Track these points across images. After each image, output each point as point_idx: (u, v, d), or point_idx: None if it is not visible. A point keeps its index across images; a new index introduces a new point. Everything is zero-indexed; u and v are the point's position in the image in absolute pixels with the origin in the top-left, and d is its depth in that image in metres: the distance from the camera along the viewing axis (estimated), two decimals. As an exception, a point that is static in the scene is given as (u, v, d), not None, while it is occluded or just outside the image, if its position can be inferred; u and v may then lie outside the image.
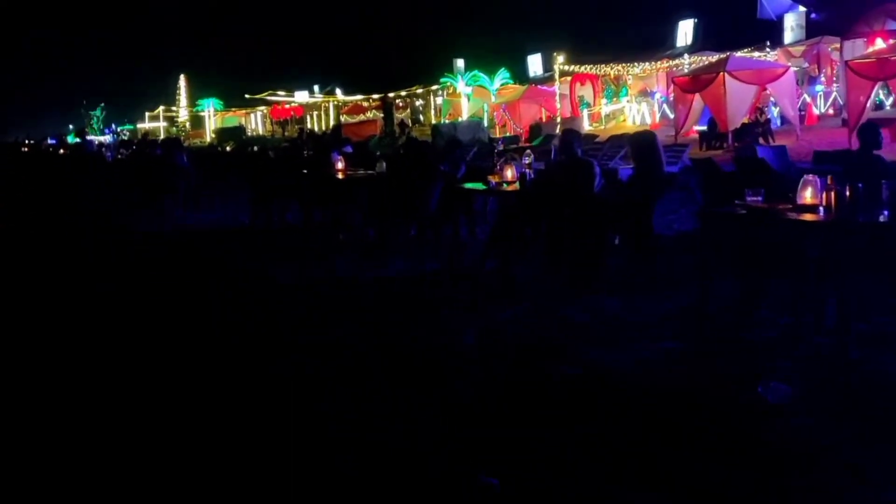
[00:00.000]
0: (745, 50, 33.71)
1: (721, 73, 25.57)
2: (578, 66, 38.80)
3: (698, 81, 26.87)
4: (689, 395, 4.93)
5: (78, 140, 42.67)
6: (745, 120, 26.20)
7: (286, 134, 55.26)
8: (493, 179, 8.77)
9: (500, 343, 6.25)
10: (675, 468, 3.94)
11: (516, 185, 8.35)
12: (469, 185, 9.33)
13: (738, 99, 25.69)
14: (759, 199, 5.95)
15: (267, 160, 16.27)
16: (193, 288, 9.03)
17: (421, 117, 55.44)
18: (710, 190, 9.64)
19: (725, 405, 4.75)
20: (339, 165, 11.92)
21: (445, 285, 8.34)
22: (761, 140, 25.38)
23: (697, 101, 27.28)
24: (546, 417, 4.68)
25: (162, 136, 53.50)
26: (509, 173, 8.62)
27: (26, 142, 52.22)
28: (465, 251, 9.31)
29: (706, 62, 31.77)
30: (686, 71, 32.88)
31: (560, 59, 38.66)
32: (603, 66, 39.22)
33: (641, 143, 7.68)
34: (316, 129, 57.46)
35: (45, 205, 18.00)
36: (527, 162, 8.63)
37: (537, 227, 8.15)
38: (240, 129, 61.01)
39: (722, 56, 29.37)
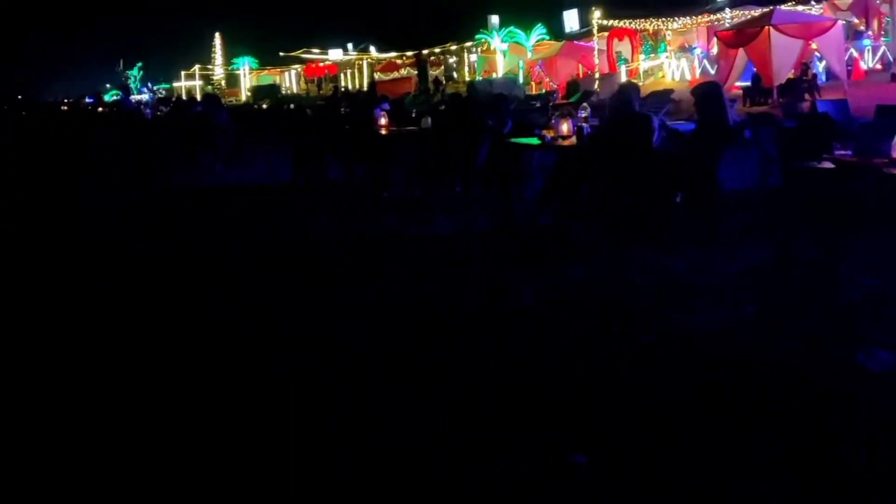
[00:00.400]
0: (790, 3, 32.93)
1: (766, 27, 24.97)
2: (617, 21, 38.09)
3: (742, 36, 26.27)
4: (780, 364, 4.61)
5: (116, 97, 42.73)
6: (791, 75, 25.61)
7: (321, 92, 54.99)
8: (548, 134, 8.51)
9: (562, 304, 5.99)
10: (790, 448, 3.70)
11: (572, 140, 8.11)
12: (518, 140, 9.10)
13: (783, 54, 25.10)
14: (849, 153, 5.70)
15: (307, 117, 16.12)
16: (234, 248, 8.86)
17: (455, 74, 54.94)
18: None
19: (824, 374, 4.43)
20: (382, 122, 11.74)
21: (498, 242, 8.09)
22: (807, 96, 24.85)
23: (740, 56, 26.71)
24: (625, 390, 4.41)
25: (198, 95, 53.49)
26: (565, 128, 8.36)
27: (65, 101, 52.44)
28: (515, 208, 9.11)
29: (749, 16, 31.09)
30: (728, 25, 32.22)
31: (597, 13, 38.02)
32: (642, 21, 38.49)
33: (706, 95, 7.38)
34: (350, 87, 57.22)
35: (84, 161, 17.98)
36: (583, 116, 8.38)
37: (594, 183, 7.91)
38: (275, 88, 60.87)
39: (766, 10, 28.64)
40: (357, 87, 56.59)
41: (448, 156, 9.32)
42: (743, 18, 31.95)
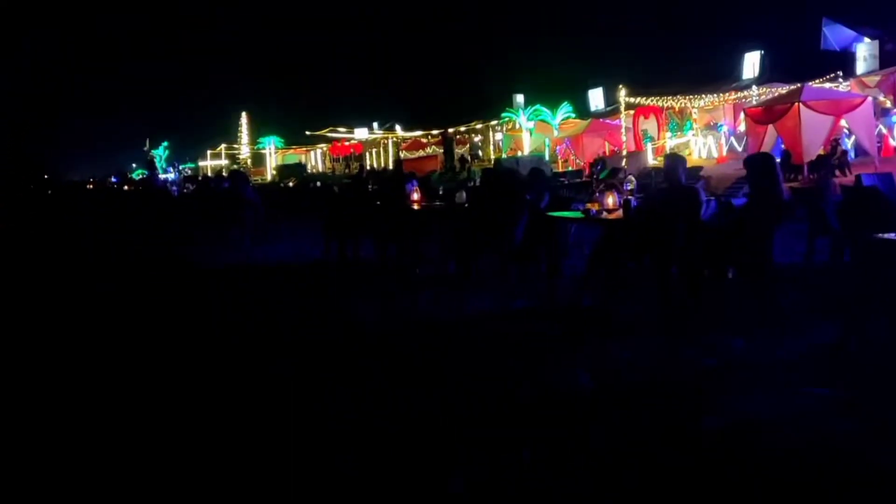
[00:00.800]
0: (817, 81, 32.88)
1: (796, 104, 24.81)
2: (644, 99, 38.17)
3: (772, 112, 26.11)
4: (857, 461, 4.17)
5: (142, 176, 43.04)
6: (821, 152, 25.36)
7: (348, 171, 55.34)
8: (593, 207, 8.15)
9: (620, 387, 5.56)
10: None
11: (619, 214, 7.76)
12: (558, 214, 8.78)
13: (813, 130, 24.90)
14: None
15: (335, 194, 15.94)
16: (263, 322, 8.59)
17: (480, 152, 55.22)
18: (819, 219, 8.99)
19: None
20: (415, 196, 11.48)
21: (543, 324, 7.58)
22: (837, 172, 24.55)
23: (769, 133, 26.52)
24: (698, 484, 4.03)
25: (224, 173, 53.78)
26: (611, 201, 8.00)
27: (90, 179, 52.95)
28: (555, 286, 8.73)
29: (775, 93, 31.03)
30: (755, 102, 32.16)
31: (623, 91, 38.14)
32: (668, 98, 38.52)
33: (758, 165, 7.05)
34: (375, 165, 57.59)
35: (113, 239, 17.87)
36: (629, 189, 8.05)
37: (641, 258, 7.56)
38: (301, 167, 61.38)
39: (794, 87, 28.55)
40: (382, 165, 56.98)
41: (485, 231, 8.97)
42: (769, 96, 31.90)
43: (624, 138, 37.38)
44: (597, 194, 8.40)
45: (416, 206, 11.38)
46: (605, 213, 7.97)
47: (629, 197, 7.74)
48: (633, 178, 8.33)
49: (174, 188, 24.81)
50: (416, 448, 4.47)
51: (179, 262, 14.06)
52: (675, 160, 7.79)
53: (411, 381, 5.89)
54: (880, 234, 5.33)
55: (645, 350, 6.37)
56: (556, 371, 5.98)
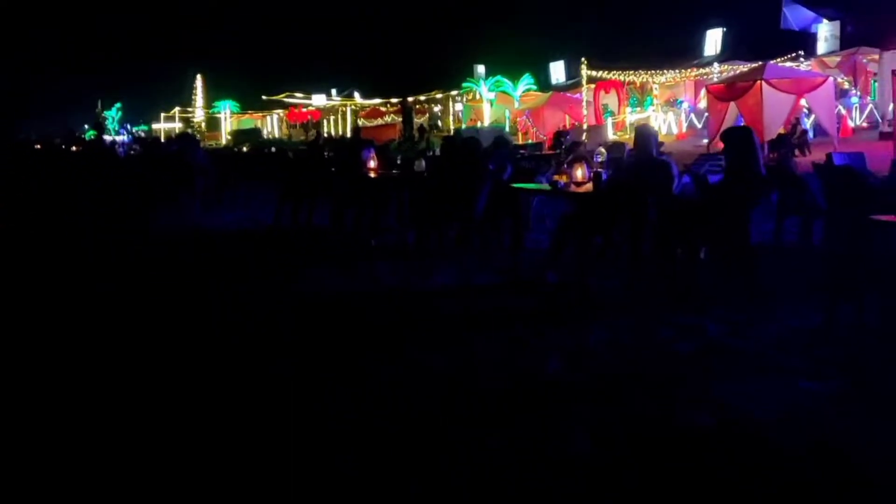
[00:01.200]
0: (778, 59, 32.79)
1: (758, 82, 24.61)
2: (606, 73, 37.85)
3: (734, 90, 25.90)
4: (864, 457, 3.84)
5: (93, 137, 41.76)
6: (782, 131, 25.25)
7: (306, 137, 54.47)
8: (561, 180, 7.75)
9: (596, 375, 5.16)
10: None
11: (588, 187, 7.36)
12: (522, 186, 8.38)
13: (775, 109, 24.74)
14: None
15: (290, 159, 15.40)
16: (207, 292, 8.11)
17: (439, 122, 54.67)
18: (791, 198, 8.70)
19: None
20: (372, 164, 11.01)
21: (507, 299, 7.18)
22: (797, 152, 24.48)
23: (730, 110, 26.35)
24: (687, 484, 3.67)
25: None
26: (580, 173, 7.60)
27: (36, 140, 51.41)
28: (519, 260, 8.34)
29: (736, 71, 30.89)
30: (716, 80, 32.00)
31: (584, 65, 37.78)
32: (629, 72, 38.26)
33: (737, 139, 6.68)
34: (332, 132, 56.77)
35: (54, 202, 17.12)
36: (599, 161, 7.64)
37: (610, 233, 7.18)
38: (256, 132, 60.31)
39: (756, 65, 28.40)
40: (340, 133, 56.21)
41: (446, 201, 8.54)
42: (731, 73, 31.77)
43: (585, 112, 37.04)
44: (565, 166, 7.99)
45: (372, 174, 10.92)
46: (573, 186, 7.59)
47: (599, 169, 7.35)
48: (603, 151, 7.93)
49: (121, 149, 23.98)
50: (368, 443, 4.10)
51: (124, 228, 13.45)
52: (646, 132, 7.42)
53: (369, 363, 5.49)
54: (876, 216, 5.01)
55: (620, 332, 5.99)
56: (527, 355, 5.58)
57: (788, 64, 32.60)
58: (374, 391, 4.93)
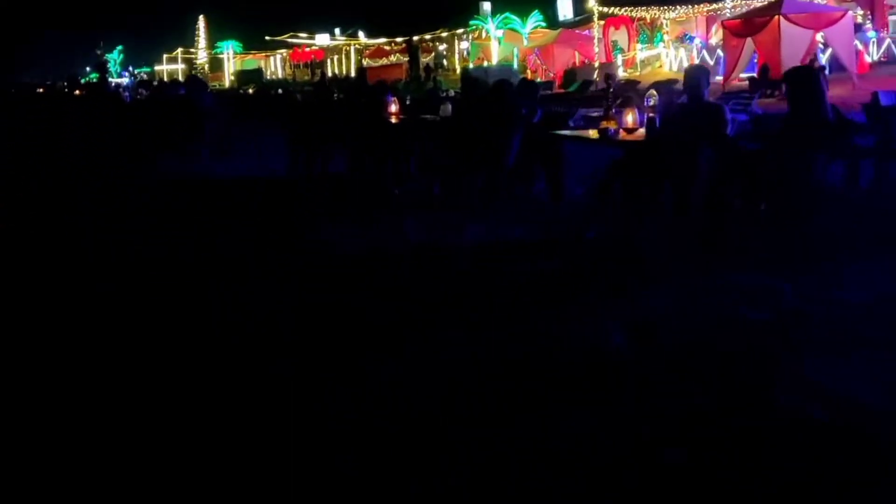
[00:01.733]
0: (794, -7, 31.97)
1: (777, 16, 24.03)
2: (617, 9, 37.00)
3: (751, 25, 25.31)
4: None
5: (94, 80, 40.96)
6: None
7: (312, 78, 53.67)
8: (609, 126, 7.26)
9: (661, 348, 4.60)
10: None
11: (640, 134, 6.89)
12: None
13: (793, 44, 24.17)
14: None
15: (300, 103, 14.95)
16: (221, 248, 7.74)
17: (445, 62, 53.87)
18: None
19: None
20: (393, 109, 10.58)
21: (547, 259, 6.64)
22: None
23: (746, 46, 25.76)
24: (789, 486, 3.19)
25: (181, 78, 52.21)
26: (630, 118, 7.15)
27: (39, 84, 50.82)
28: (551, 213, 7.96)
29: (750, 6, 30.19)
30: (728, 15, 31.30)
31: (591, 0, 37.00)
32: (640, 8, 37.39)
33: (800, 79, 6.23)
34: (337, 73, 55.99)
35: (57, 147, 16.68)
36: (650, 104, 7.16)
37: (660, 184, 6.72)
38: (259, 72, 59.55)
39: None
40: (344, 73, 55.45)
41: (473, 148, 8.12)
42: (744, 8, 31.04)
43: (596, 49, 36.34)
44: (613, 111, 7.46)
45: (393, 119, 10.49)
46: (623, 133, 7.10)
47: (652, 114, 6.87)
48: (654, 93, 7.44)
49: (126, 94, 23.49)
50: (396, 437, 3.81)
51: (132, 176, 13.11)
52: (697, 72, 6.94)
53: (394, 333, 5.08)
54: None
55: (677, 297, 5.43)
56: (579, 323, 5.04)
57: (805, -2, 31.82)
58: (407, 369, 4.57)
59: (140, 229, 8.76)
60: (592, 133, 7.59)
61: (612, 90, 8.03)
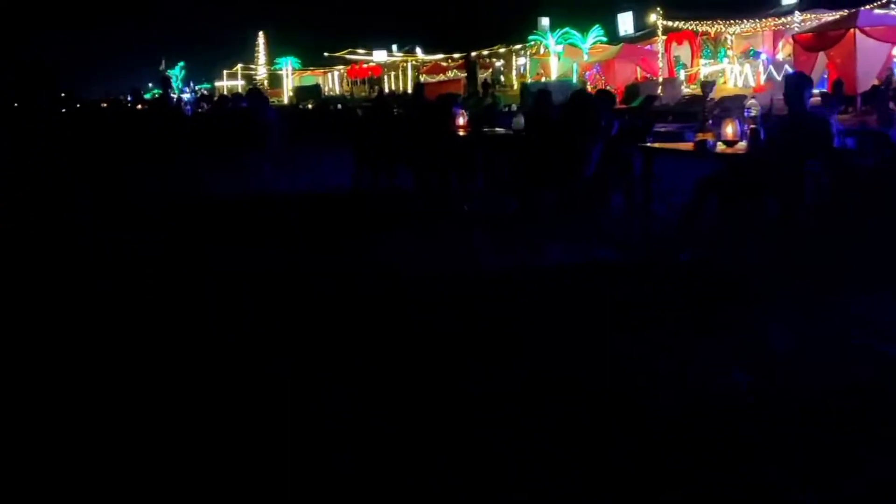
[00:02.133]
0: (867, 6, 31.06)
1: (852, 30, 23.24)
2: (682, 23, 36.25)
3: (824, 39, 24.54)
4: None
5: (156, 95, 41.29)
6: (875, 82, 23.82)
7: (370, 93, 53.65)
8: (707, 138, 6.77)
9: (788, 402, 3.89)
10: None
11: (740, 147, 6.37)
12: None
13: (868, 59, 23.38)
14: None
15: (362, 117, 14.59)
16: (286, 265, 7.38)
17: (502, 77, 53.45)
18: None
19: None
20: (461, 122, 10.17)
21: (646, 283, 6.05)
22: (892, 105, 23.11)
23: (818, 61, 24.97)
24: None
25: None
26: (730, 130, 6.62)
27: (104, 99, 51.47)
28: (633, 230, 7.44)
29: (820, 20, 29.32)
30: (797, 30, 30.46)
31: (658, 14, 36.33)
32: (705, 22, 36.58)
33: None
34: (393, 88, 55.93)
35: (122, 162, 16.55)
36: (751, 115, 6.63)
37: (761, 201, 6.21)
38: (318, 88, 59.72)
39: (845, 13, 26.84)
40: (401, 89, 55.35)
41: (552, 162, 7.66)
42: (814, 22, 30.18)
43: (661, 64, 35.64)
44: (710, 123, 6.96)
45: (461, 132, 10.07)
46: (725, 147, 6.56)
47: (753, 126, 6.35)
48: (755, 104, 6.92)
49: (188, 107, 23.41)
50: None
51: (193, 190, 12.82)
52: (798, 80, 6.45)
53: (475, 369, 4.55)
54: None
55: (796, 328, 4.82)
56: (677, 360, 4.44)
57: (880, 11, 30.86)
58: (482, 403, 4.13)
59: (200, 241, 8.48)
60: (687, 146, 7.07)
61: (708, 100, 7.47)
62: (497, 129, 10.67)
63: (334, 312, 5.74)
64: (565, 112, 8.19)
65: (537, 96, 9.97)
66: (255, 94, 16.75)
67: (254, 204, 11.20)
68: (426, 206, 9.87)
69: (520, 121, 9.48)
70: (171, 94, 23.05)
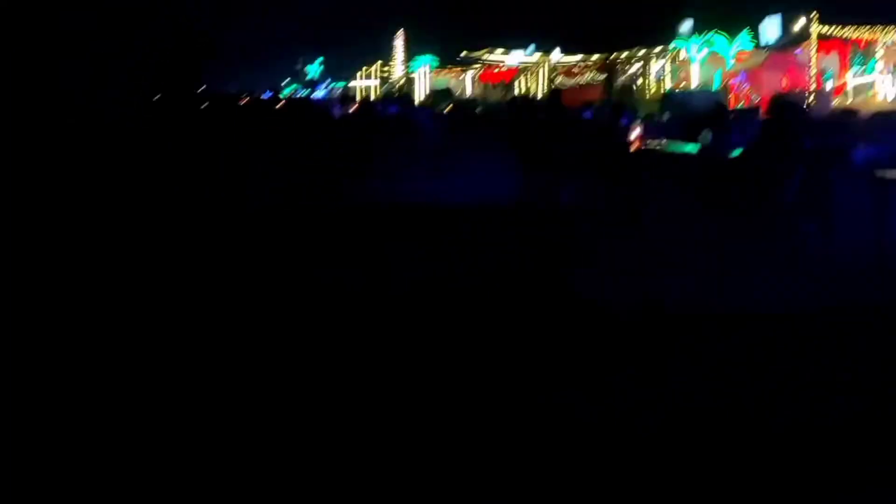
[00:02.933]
0: None
1: None
2: (839, 29, 34.45)
3: None
4: None
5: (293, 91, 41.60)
6: None
7: (504, 97, 53.21)
8: None
9: None
10: None
11: None
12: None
13: None
14: None
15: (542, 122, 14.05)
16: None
17: (638, 83, 52.14)
18: None
19: None
20: (635, 135, 9.73)
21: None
22: None
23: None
24: None
25: (373, 95, 53.22)
26: None
27: (244, 94, 52.62)
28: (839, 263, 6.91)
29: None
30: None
31: (802, 20, 34.77)
32: (861, 28, 34.70)
33: None
34: (524, 92, 55.29)
35: (260, 167, 16.47)
36: None
37: None
38: (448, 91, 59.55)
39: None
40: (532, 93, 54.62)
41: (749, 183, 7.17)
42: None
43: (812, 73, 34.09)
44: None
45: (635, 146, 9.62)
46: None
47: None
48: None
49: (336, 109, 23.40)
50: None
51: (343, 200, 12.64)
52: None
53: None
54: None
55: None
56: None
57: None
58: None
59: (349, 255, 8.29)
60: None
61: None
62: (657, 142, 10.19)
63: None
64: (765, 129, 7.66)
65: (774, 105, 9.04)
66: (404, 99, 16.64)
67: (409, 214, 10.98)
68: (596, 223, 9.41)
69: (707, 136, 8.94)
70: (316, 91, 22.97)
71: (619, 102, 12.82)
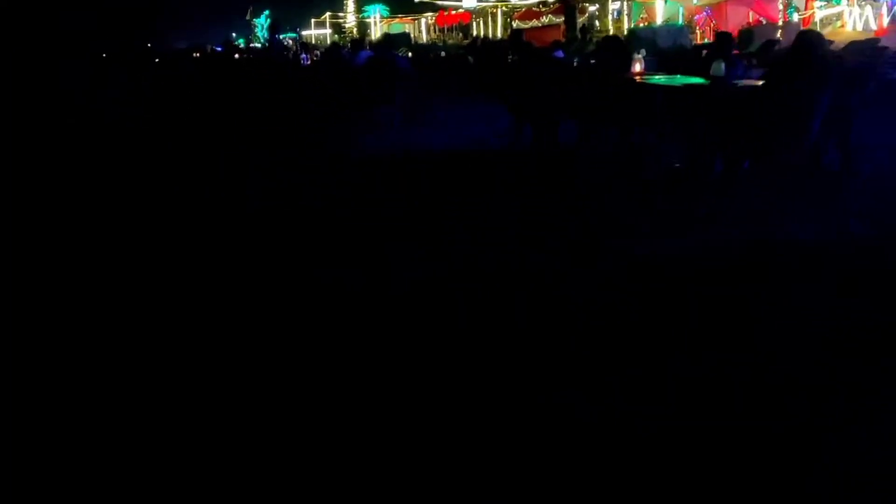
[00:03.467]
0: None
1: None
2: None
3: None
4: None
5: (242, 44, 40.35)
6: None
7: (463, 41, 52.42)
8: None
9: None
10: None
11: None
12: None
13: None
14: None
15: (529, 62, 13.42)
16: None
17: (597, 23, 51.60)
18: None
19: None
20: (638, 68, 9.08)
21: None
22: None
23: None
24: None
25: (328, 44, 52.14)
26: None
27: (194, 49, 51.14)
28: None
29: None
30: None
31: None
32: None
33: None
34: (482, 35, 54.59)
35: (230, 118, 15.65)
36: None
37: None
38: (406, 36, 58.68)
39: None
40: (491, 36, 53.97)
41: (773, 120, 6.56)
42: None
43: (780, 7, 33.75)
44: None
45: (638, 79, 8.94)
46: None
47: None
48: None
49: (303, 56, 22.40)
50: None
51: (320, 153, 11.89)
52: None
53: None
54: None
55: None
56: None
57: None
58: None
59: (328, 211, 7.65)
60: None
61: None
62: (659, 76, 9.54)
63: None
64: (789, 58, 7.04)
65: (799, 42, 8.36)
66: (386, 40, 15.81)
67: (388, 164, 10.23)
68: (603, 169, 8.74)
69: (720, 66, 8.27)
70: (277, 40, 22.04)
71: (614, 37, 12.03)
